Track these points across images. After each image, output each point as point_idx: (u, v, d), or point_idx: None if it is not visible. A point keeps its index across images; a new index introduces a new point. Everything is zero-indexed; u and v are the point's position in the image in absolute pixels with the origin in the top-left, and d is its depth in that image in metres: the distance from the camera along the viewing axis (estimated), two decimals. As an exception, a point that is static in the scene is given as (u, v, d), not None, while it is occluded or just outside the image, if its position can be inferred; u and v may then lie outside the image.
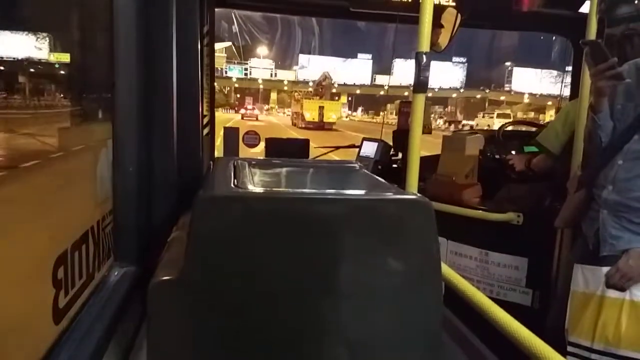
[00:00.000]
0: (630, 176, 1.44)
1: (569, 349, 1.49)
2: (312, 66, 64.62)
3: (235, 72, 63.85)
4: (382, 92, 62.20)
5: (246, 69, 65.76)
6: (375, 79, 64.10)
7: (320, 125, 30.27)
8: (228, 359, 0.75)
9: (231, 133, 2.44)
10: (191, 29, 1.10)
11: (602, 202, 1.50)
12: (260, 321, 0.74)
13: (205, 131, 1.40)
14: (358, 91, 64.87)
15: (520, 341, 0.97)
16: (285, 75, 69.29)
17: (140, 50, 0.96)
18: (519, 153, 2.64)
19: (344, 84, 62.38)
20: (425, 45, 1.40)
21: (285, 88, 67.48)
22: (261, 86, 69.07)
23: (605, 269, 1.44)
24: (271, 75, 68.26)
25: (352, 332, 0.77)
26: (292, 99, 42.37)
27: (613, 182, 1.47)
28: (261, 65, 68.48)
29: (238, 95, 69.86)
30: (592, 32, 1.84)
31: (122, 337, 0.82)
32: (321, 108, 31.59)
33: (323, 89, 34.87)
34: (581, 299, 1.50)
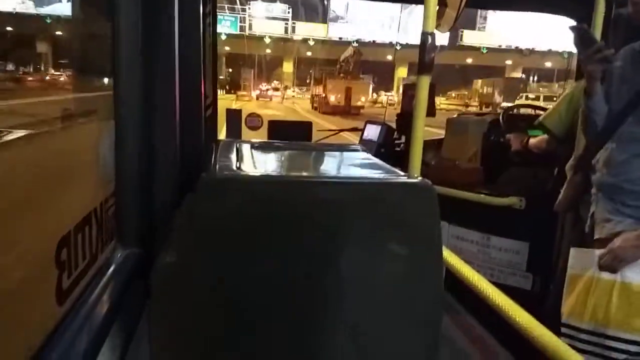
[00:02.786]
0: (623, 158, 1.44)
1: (563, 329, 1.51)
2: (353, 16, 38.94)
3: (225, 26, 35.57)
4: (469, 60, 40.81)
5: (243, 20, 37.54)
6: (461, 36, 36.45)
7: (347, 110, 24.64)
8: (230, 342, 0.75)
9: (233, 115, 2.43)
10: (193, 10, 1.08)
11: (597, 185, 1.50)
12: (262, 305, 0.75)
13: (208, 113, 1.39)
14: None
15: (520, 325, 0.97)
16: (308, 30, 39.81)
17: (141, 32, 0.94)
18: (519, 133, 2.63)
19: (407, 45, 33.61)
20: (430, 25, 1.38)
21: (309, 53, 41.35)
22: (268, 50, 41.66)
23: (597, 252, 1.45)
24: (286, 30, 39.40)
25: (353, 317, 0.78)
26: (311, 79, 34.20)
27: (607, 164, 1.47)
28: (268, 13, 39.21)
29: (230, 70, 42.80)
30: (599, 14, 1.81)
31: (125, 318, 0.82)
32: (348, 90, 25.76)
33: (352, 66, 27.92)
34: (575, 281, 1.51)
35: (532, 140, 2.45)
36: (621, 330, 1.38)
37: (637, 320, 1.37)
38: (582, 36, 1.45)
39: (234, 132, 2.39)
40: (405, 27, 30.13)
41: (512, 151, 2.58)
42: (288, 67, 46.56)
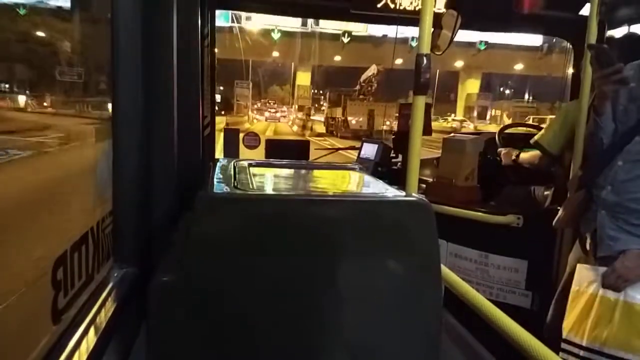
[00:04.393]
0: (629, 177, 1.45)
1: (563, 345, 1.50)
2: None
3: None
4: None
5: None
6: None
7: (368, 136, 20.47)
8: None
9: (231, 134, 2.44)
10: (191, 31, 1.10)
11: (601, 203, 1.50)
12: (259, 322, 0.74)
13: (206, 132, 1.40)
14: (520, 65, 27.93)
15: (520, 343, 0.97)
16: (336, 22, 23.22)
17: (140, 52, 0.96)
18: (511, 148, 2.65)
19: (489, 45, 22.58)
20: (425, 47, 1.41)
21: (338, 58, 28.44)
22: (275, 53, 28.30)
23: (602, 269, 1.45)
24: (304, 22, 26.21)
25: (352, 334, 0.77)
26: (326, 100, 27.38)
27: (612, 182, 1.48)
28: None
29: (222, 88, 27.07)
30: (592, 35, 1.84)
31: (122, 338, 0.82)
32: (371, 112, 22.65)
33: (374, 86, 24.28)
34: (577, 298, 1.51)
35: (522, 155, 2.46)
36: (621, 350, 1.37)
37: (637, 341, 1.36)
38: (599, 56, 1.46)
39: (232, 150, 2.40)
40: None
41: (503, 165, 2.60)
42: (304, 78, 31.09)
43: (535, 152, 2.34)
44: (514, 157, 2.50)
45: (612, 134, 1.51)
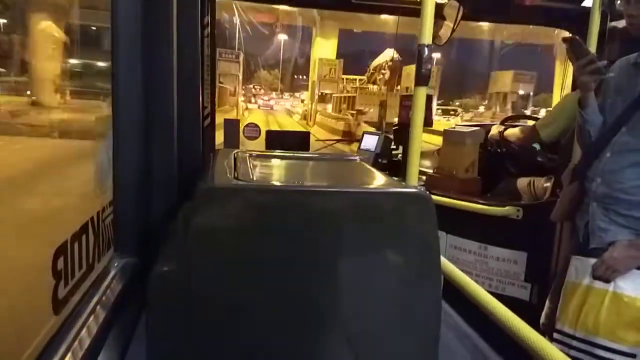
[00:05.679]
0: (617, 168, 1.45)
1: (555, 335, 1.52)
2: None
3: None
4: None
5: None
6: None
7: (378, 127, 16.95)
8: (227, 351, 0.75)
9: (231, 125, 2.43)
10: (192, 21, 1.09)
11: (592, 195, 1.51)
12: (258, 313, 0.75)
13: (206, 123, 1.40)
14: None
15: (518, 335, 0.97)
16: None
17: (140, 42, 0.95)
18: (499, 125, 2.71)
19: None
20: (427, 38, 1.40)
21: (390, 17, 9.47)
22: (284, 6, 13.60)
23: (593, 261, 1.46)
24: None
25: (351, 325, 0.78)
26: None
27: (601, 174, 1.49)
28: None
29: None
30: (595, 26, 1.83)
31: (122, 327, 0.82)
32: (383, 103, 18.83)
33: (387, 74, 21.11)
34: (570, 289, 1.52)
35: (508, 131, 2.51)
36: (609, 340, 1.39)
37: (624, 331, 1.37)
38: (574, 47, 1.46)
39: (232, 141, 2.40)
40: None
41: (489, 138, 2.65)
42: (326, 48, 22.54)
43: (523, 127, 2.38)
44: (499, 131, 2.54)
45: (599, 126, 1.52)
